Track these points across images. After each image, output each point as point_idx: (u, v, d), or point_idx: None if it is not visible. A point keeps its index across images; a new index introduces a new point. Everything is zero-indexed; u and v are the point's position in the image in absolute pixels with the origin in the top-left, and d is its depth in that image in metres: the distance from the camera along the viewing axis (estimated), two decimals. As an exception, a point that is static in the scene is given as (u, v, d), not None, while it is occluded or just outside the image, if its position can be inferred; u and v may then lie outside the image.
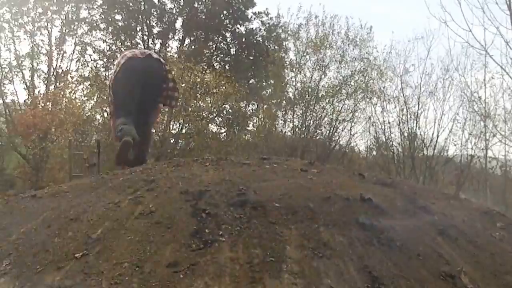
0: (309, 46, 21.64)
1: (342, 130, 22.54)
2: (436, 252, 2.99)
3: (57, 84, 23.05)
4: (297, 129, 21.88)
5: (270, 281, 2.50)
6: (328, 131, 22.20)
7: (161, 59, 6.04)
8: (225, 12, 24.24)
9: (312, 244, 2.82)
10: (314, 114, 21.44)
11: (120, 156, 5.33)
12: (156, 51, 23.59)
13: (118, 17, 24.25)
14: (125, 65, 5.67)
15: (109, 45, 24.34)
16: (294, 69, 22.08)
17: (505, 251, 3.32)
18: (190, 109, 19.12)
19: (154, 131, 6.66)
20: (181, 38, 25.06)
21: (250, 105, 23.93)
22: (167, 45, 24.64)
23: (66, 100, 20.42)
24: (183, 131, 20.83)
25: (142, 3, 24.05)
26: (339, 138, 22.84)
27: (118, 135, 5.50)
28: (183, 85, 18.44)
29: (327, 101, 21.67)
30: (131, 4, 23.96)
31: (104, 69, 23.94)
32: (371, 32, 21.94)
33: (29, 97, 23.12)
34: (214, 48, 25.56)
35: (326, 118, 21.93)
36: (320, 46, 21.28)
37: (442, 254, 2.99)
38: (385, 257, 2.83)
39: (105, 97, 18.53)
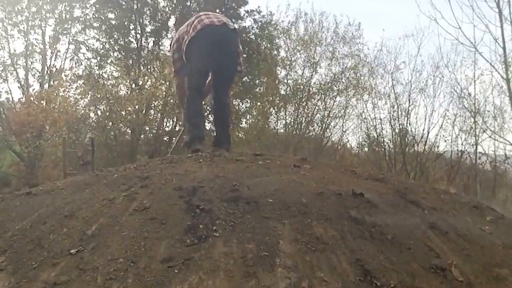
0: (299, 43, 21.69)
1: (334, 127, 22.63)
2: (427, 246, 3.02)
3: (51, 82, 23.00)
4: (289, 126, 21.92)
5: (264, 275, 2.53)
6: (320, 128, 22.26)
7: (236, 28, 5.88)
8: (217, 10, 24.21)
9: (305, 238, 2.85)
10: (306, 111, 21.48)
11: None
12: (150, 49, 23.59)
13: (111, 15, 24.15)
14: (202, 32, 5.46)
15: (102, 44, 24.28)
16: (286, 67, 22.12)
17: (495, 244, 3.35)
18: (183, 106, 19.05)
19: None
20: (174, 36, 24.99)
21: (243, 103, 23.91)
22: (160, 43, 24.59)
23: (60, 98, 20.36)
24: (177, 128, 20.79)
25: (135, 2, 23.96)
26: (331, 134, 22.93)
27: (186, 141, 5.48)
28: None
29: (318, 98, 21.71)
30: (124, 3, 23.87)
31: (97, 67, 23.91)
32: (359, 29, 22.02)
33: (23, 95, 23.08)
34: (207, 46, 25.43)
35: (318, 115, 22.00)
36: (310, 43, 21.32)
37: (433, 248, 3.02)
38: (376, 250, 2.86)
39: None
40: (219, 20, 5.59)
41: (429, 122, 20.13)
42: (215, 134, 6.00)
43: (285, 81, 22.32)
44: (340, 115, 22.27)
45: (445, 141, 20.31)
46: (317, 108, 21.81)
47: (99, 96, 18.99)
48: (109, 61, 24.19)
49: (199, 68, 5.53)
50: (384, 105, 21.20)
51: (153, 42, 24.55)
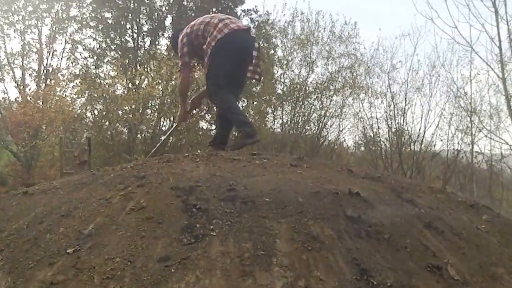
0: (295, 42, 21.71)
1: (330, 126, 22.67)
2: (423, 245, 3.03)
3: (48, 82, 23.02)
4: (286, 125, 21.94)
5: (261, 274, 2.53)
6: (316, 127, 22.29)
7: (254, 36, 5.89)
8: (214, 9, 24.19)
9: (302, 237, 2.85)
10: (302, 110, 21.51)
11: (238, 147, 5.30)
12: (146, 49, 23.59)
13: (107, 15, 24.20)
14: (229, 37, 5.40)
15: (99, 43, 24.31)
16: (283, 66, 22.15)
17: (491, 243, 3.36)
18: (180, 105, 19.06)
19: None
20: (170, 35, 25.01)
21: (240, 102, 23.92)
22: (157, 42, 24.62)
23: (57, 98, 20.36)
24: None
25: (132, 1, 23.97)
26: (327, 133, 22.97)
27: (247, 130, 5.40)
28: (173, 82, 18.44)
29: (315, 97, 21.74)
30: (120, 2, 23.87)
31: (94, 66, 23.92)
32: (356, 28, 22.09)
33: (20, 95, 23.09)
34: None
35: (314, 114, 22.02)
36: (306, 42, 21.36)
37: (429, 247, 3.03)
38: (373, 249, 2.87)
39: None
40: (245, 25, 5.61)
41: (426, 121, 20.31)
42: (215, 133, 5.98)
43: (282, 80, 22.34)
44: (336, 114, 22.35)
45: (442, 140, 20.47)
46: (313, 107, 21.86)
47: (95, 95, 18.98)
48: (105, 61, 24.24)
49: (225, 69, 5.48)
50: (381, 104, 21.39)
51: (150, 41, 24.59)
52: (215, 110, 6.00)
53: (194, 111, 6.10)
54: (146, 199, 3.27)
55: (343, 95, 21.92)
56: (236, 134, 5.70)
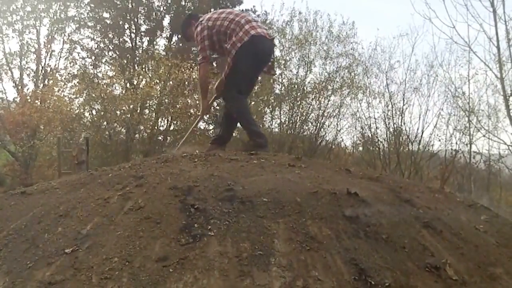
0: (293, 42, 21.68)
1: (328, 126, 22.63)
2: (421, 245, 3.03)
3: (46, 82, 23.01)
4: (284, 125, 21.90)
5: (259, 274, 2.53)
6: (314, 127, 22.25)
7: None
8: (212, 9, 24.17)
9: (300, 237, 2.85)
10: (300, 110, 21.47)
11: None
12: (144, 49, 23.59)
13: (106, 15, 24.21)
14: (254, 41, 5.37)
15: (97, 43, 24.29)
16: (280, 66, 22.11)
17: (489, 243, 3.36)
18: (178, 106, 19.11)
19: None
20: (168, 35, 25.05)
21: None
22: (154, 42, 24.61)
23: (55, 98, 20.35)
24: (171, 128, 20.80)
25: (130, 1, 23.96)
26: (325, 133, 22.92)
27: (260, 142, 5.38)
28: (171, 82, 18.45)
29: (313, 97, 21.70)
30: (118, 2, 23.86)
31: (92, 66, 23.92)
32: (353, 28, 22.04)
33: (18, 95, 23.08)
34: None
35: (312, 114, 21.97)
36: (304, 42, 21.33)
37: (427, 246, 3.03)
38: (371, 249, 2.87)
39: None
40: (269, 34, 5.63)
41: (424, 121, 20.28)
42: (220, 133, 5.96)
43: (280, 80, 22.30)
44: (334, 114, 22.28)
45: (439, 140, 20.45)
46: (311, 107, 21.80)
47: (93, 95, 18.97)
48: (103, 61, 24.21)
49: (247, 74, 5.55)
50: (379, 104, 21.32)
51: (148, 41, 24.56)
52: (219, 110, 5.97)
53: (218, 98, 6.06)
54: (144, 199, 3.27)
55: (341, 95, 21.89)
56: (248, 142, 5.70)
